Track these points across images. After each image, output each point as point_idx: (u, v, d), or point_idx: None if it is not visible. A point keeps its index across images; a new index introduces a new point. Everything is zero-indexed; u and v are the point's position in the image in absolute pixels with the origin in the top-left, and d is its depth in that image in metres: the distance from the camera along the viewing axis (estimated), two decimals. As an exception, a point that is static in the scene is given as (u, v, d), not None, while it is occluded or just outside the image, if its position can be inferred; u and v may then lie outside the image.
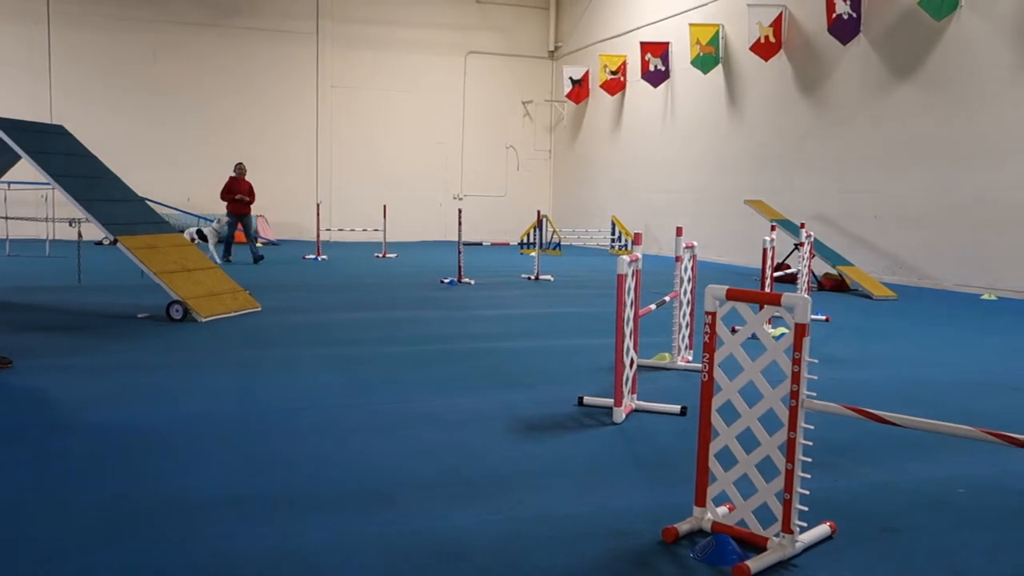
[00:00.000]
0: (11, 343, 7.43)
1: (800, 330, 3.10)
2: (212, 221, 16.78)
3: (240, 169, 16.78)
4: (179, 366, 6.61)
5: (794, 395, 3.14)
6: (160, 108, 22.71)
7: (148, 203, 10.95)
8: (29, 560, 3.11)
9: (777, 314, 3.28)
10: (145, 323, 8.65)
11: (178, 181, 22.60)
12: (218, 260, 15.76)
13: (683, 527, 3.42)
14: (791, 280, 10.67)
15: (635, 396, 5.50)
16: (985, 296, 12.39)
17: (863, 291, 12.48)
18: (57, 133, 10.15)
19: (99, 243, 17.42)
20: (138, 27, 22.46)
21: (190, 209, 21.54)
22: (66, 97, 21.84)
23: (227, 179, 16.75)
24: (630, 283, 5.24)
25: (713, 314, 3.37)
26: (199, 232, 16.24)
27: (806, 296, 3.13)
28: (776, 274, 9.54)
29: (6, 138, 8.88)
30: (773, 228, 10.23)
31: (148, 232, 9.48)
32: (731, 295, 3.32)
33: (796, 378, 3.12)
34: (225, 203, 16.61)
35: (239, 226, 16.63)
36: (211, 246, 16.00)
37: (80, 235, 12.86)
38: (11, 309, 9.53)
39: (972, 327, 9.60)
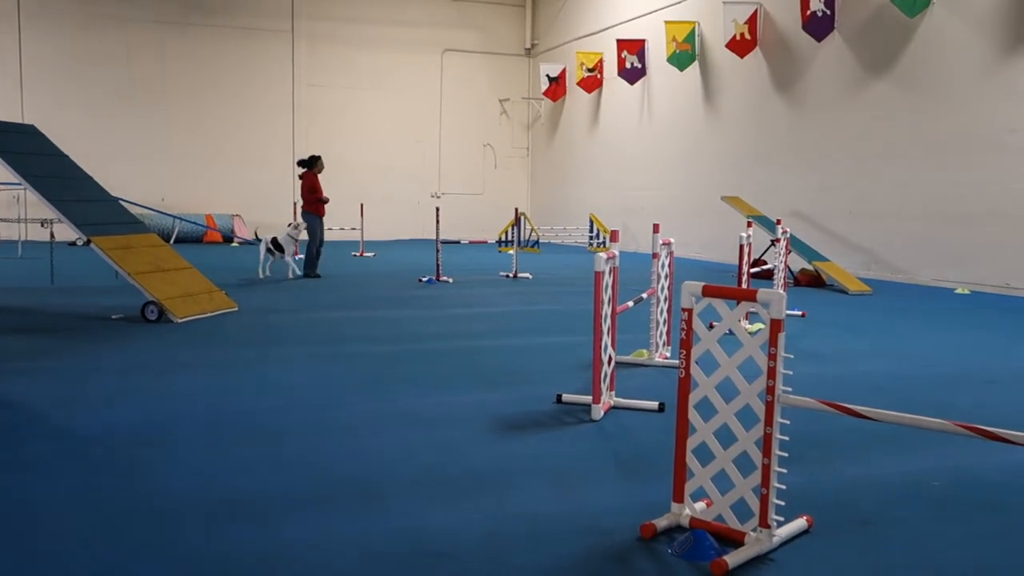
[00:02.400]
0: (-17, 346, 7.35)
1: (775, 326, 3.12)
2: (289, 226, 13.60)
3: (318, 164, 13.91)
4: (155, 367, 6.55)
5: (770, 390, 3.15)
6: (134, 107, 22.47)
7: (122, 203, 10.84)
8: (5, 565, 3.07)
9: (754, 310, 3.29)
10: (120, 324, 8.56)
11: (152, 180, 22.37)
12: (299, 272, 13.42)
13: (661, 523, 3.42)
14: (768, 276, 10.73)
15: (613, 393, 5.51)
16: (959, 290, 12.52)
17: (839, 286, 12.57)
18: (28, 133, 10.02)
19: (72, 244, 17.22)
20: (111, 25, 22.21)
21: (165, 209, 21.33)
22: (37, 96, 21.56)
23: (306, 175, 13.78)
24: (608, 280, 5.25)
25: (690, 311, 3.38)
26: (274, 242, 13.31)
27: (781, 292, 3.15)
28: (753, 270, 9.59)
29: (-24, 138, 8.77)
30: (750, 224, 10.27)
31: (122, 232, 9.38)
32: (707, 292, 3.33)
33: (772, 373, 3.14)
34: (304, 203, 13.77)
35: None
36: (288, 257, 13.24)
37: (52, 236, 12.71)
38: (-17, 311, 9.40)
39: (946, 321, 9.69)
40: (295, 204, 20.00)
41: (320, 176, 13.94)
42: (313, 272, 13.63)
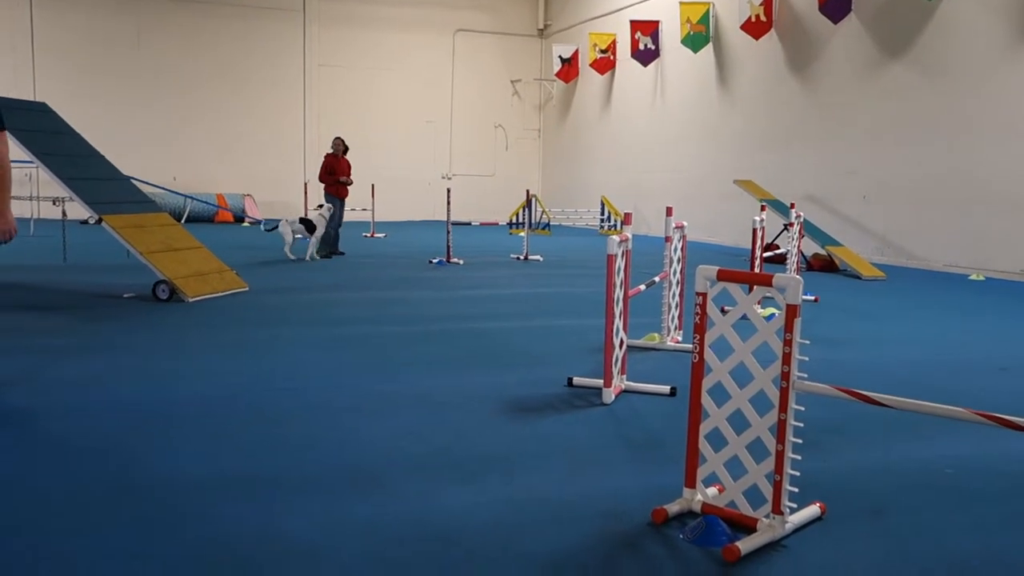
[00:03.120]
0: (-5, 323, 7.37)
1: (791, 311, 3.08)
2: (321, 207, 13.56)
3: (339, 145, 14.27)
4: (165, 347, 6.55)
5: (785, 376, 3.12)
6: (145, 86, 22.45)
7: (133, 182, 10.84)
8: (13, 544, 3.08)
9: (766, 295, 3.25)
10: (131, 303, 8.57)
11: (164, 160, 22.39)
12: (315, 255, 13.33)
13: (673, 508, 3.40)
14: (780, 260, 10.67)
15: (624, 377, 5.48)
16: (973, 277, 12.42)
17: (852, 271, 12.49)
18: (40, 111, 10.02)
19: (84, 222, 17.24)
20: (122, 4, 22.16)
21: (176, 188, 21.35)
22: (49, 74, 21.55)
23: (325, 157, 14.22)
24: (620, 263, 5.21)
25: (704, 295, 3.34)
26: (304, 222, 13.19)
27: (798, 277, 3.11)
28: (765, 254, 9.53)
29: (-12, 115, 8.75)
30: (763, 208, 10.20)
31: (134, 211, 9.39)
32: (722, 276, 3.29)
33: (787, 359, 3.10)
34: (323, 186, 14.06)
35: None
36: (315, 238, 13.23)
37: (64, 214, 12.74)
38: (-5, 289, 9.44)
39: (960, 307, 9.62)
40: (306, 184, 20.02)
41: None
42: (335, 251, 13.93)
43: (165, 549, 3.05)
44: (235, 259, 11.71)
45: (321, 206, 13.56)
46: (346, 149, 14.30)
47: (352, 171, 14.39)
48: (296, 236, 13.21)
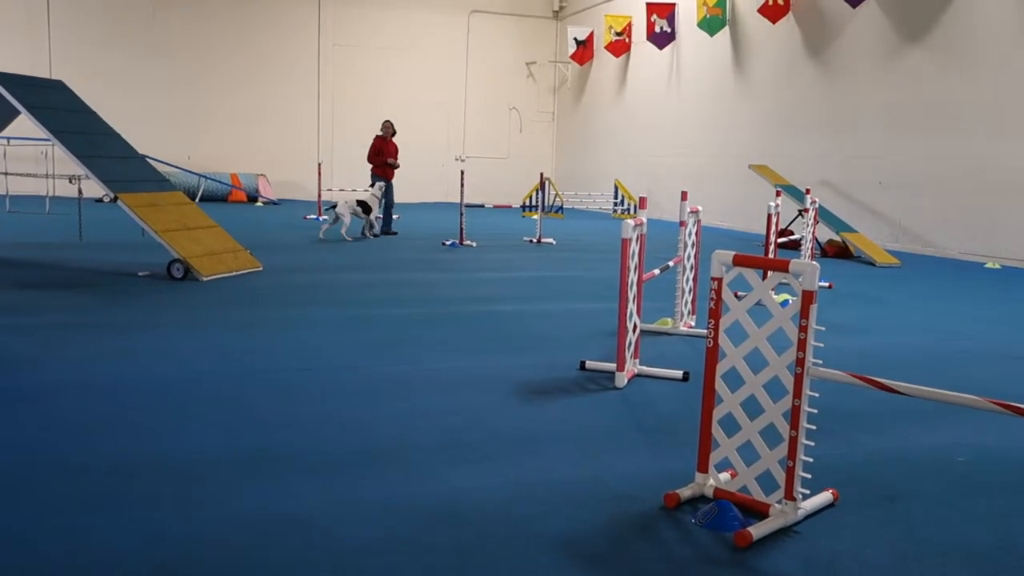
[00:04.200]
0: (11, 300, 7.43)
1: (807, 297, 3.07)
2: (375, 186, 14.06)
3: (388, 128, 14.81)
4: (180, 325, 6.59)
5: (800, 363, 3.11)
6: (160, 64, 22.45)
7: (148, 160, 10.87)
8: (26, 518, 3.11)
9: (781, 281, 3.24)
10: (146, 281, 8.62)
11: (179, 138, 22.40)
12: (377, 231, 14.02)
13: (685, 493, 3.41)
14: (794, 246, 10.62)
15: (637, 361, 5.48)
16: (989, 265, 12.34)
17: (866, 258, 12.43)
18: (56, 88, 10.05)
19: (99, 200, 17.29)
20: (138, -19, 22.15)
21: (191, 167, 21.38)
22: (65, 53, 21.57)
23: (374, 139, 14.75)
24: (635, 247, 5.20)
25: (720, 280, 3.34)
26: (362, 204, 13.64)
27: (814, 263, 3.10)
28: (780, 240, 9.49)
29: (4, 92, 8.80)
30: (778, 194, 10.15)
31: (149, 190, 9.42)
32: (738, 261, 3.28)
33: (802, 345, 3.10)
34: (371, 167, 14.65)
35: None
36: (372, 218, 13.79)
37: (80, 192, 12.78)
38: (11, 266, 9.50)
39: (975, 295, 9.56)
40: (319, 164, 20.01)
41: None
42: (389, 230, 14.63)
43: (180, 526, 3.08)
44: (249, 239, 11.74)
45: (373, 185, 14.15)
46: (394, 132, 14.85)
47: (400, 154, 14.95)
48: (353, 217, 13.62)
